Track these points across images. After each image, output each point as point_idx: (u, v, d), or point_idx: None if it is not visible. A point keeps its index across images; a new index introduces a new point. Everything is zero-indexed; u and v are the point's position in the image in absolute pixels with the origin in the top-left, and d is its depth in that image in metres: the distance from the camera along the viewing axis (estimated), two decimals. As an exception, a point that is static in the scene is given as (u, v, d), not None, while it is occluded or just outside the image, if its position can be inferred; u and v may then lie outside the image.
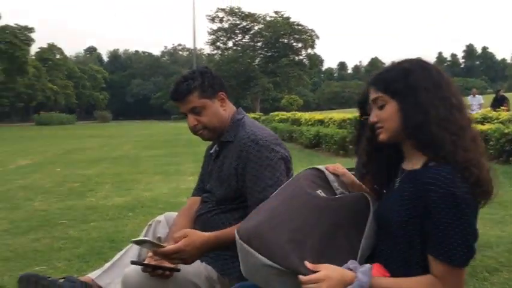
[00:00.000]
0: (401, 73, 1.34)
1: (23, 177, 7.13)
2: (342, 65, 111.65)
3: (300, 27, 50.97)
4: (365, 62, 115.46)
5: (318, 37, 51.61)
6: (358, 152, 1.57)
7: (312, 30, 51.48)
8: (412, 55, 1.41)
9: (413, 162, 1.35)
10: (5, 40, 45.46)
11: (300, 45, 51.86)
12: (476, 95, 16.46)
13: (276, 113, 23.47)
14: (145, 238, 1.89)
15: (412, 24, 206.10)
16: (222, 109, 2.03)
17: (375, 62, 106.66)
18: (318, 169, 1.57)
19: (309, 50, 52.48)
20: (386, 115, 1.35)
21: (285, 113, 22.26)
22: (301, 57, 52.74)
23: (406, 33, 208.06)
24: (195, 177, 2.69)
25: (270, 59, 51.63)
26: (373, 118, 1.38)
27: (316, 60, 57.31)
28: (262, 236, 1.32)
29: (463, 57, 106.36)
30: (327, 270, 1.25)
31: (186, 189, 5.38)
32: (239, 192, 1.94)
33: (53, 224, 3.97)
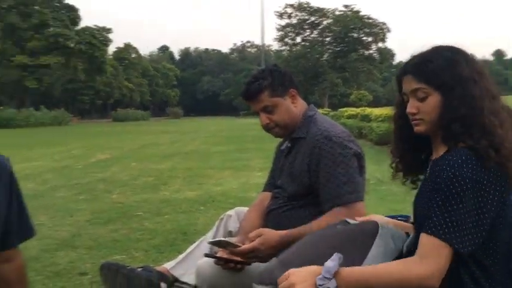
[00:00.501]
0: (446, 64, 1.27)
1: (102, 171, 7.55)
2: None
3: (370, 20, 49.72)
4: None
5: (389, 30, 50.09)
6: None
7: (383, 24, 50.04)
8: (491, 47, 1.34)
9: (439, 152, 1.32)
10: (85, 41, 48.19)
11: (370, 39, 50.61)
12: None
13: (344, 108, 23.10)
14: (222, 239, 1.96)
15: (492, 14, 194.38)
16: (293, 106, 2.04)
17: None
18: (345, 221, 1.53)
19: (380, 44, 51.10)
20: (429, 108, 1.28)
21: (354, 108, 21.83)
22: (371, 51, 51.44)
23: (484, 23, 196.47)
24: (264, 172, 2.73)
25: (339, 54, 50.82)
26: (411, 109, 1.31)
27: (387, 54, 55.73)
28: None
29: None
30: (295, 269, 1.26)
31: (255, 185, 5.46)
32: (311, 188, 1.95)
33: (129, 216, 4.18)
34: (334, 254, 1.25)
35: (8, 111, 33.31)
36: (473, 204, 1.17)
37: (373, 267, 1.25)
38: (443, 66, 1.27)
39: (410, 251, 1.32)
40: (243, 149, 10.99)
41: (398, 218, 1.61)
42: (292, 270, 1.26)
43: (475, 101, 1.23)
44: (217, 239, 1.94)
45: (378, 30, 49.89)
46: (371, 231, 1.38)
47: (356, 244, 1.35)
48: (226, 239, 1.94)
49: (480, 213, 1.18)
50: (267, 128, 2.06)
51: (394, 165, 1.50)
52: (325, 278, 1.21)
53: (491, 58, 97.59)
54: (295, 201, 2.00)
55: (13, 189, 1.63)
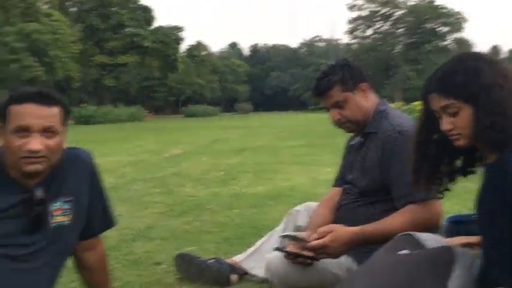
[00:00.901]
0: (470, 74, 1.21)
1: (175, 165, 7.82)
2: (495, 49, 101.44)
3: (445, 10, 47.51)
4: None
5: (466, 20, 47.58)
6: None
7: (459, 13, 47.61)
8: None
9: (492, 155, 1.26)
10: (159, 40, 50.07)
11: (445, 29, 48.38)
12: None
13: (418, 102, 22.20)
14: (292, 233, 1.97)
15: None
16: (365, 100, 2.01)
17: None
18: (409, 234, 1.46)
19: (456, 34, 48.71)
20: (464, 122, 1.24)
21: (428, 102, 20.94)
22: (446, 42, 49.15)
23: None
24: (333, 168, 2.70)
25: (412, 46, 49.06)
26: (446, 126, 1.28)
27: (464, 45, 52.98)
28: None
29: None
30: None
31: (324, 180, 5.41)
32: (382, 184, 1.91)
33: (201, 209, 4.30)
34: None
35: (89, 109, 35.30)
36: None
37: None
38: (467, 77, 1.23)
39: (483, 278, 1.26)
40: (312, 144, 10.93)
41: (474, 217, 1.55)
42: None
43: (503, 105, 1.18)
44: (287, 233, 1.96)
45: (454, 20, 47.57)
46: (446, 259, 1.30)
47: (431, 276, 1.27)
48: (296, 233, 1.95)
49: None
50: (338, 124, 2.04)
51: (416, 180, 1.46)
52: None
53: None
54: (367, 197, 1.97)
55: (95, 182, 1.73)
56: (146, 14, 53.11)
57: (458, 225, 2.23)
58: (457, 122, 1.27)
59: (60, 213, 1.61)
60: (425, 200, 1.78)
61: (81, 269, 1.83)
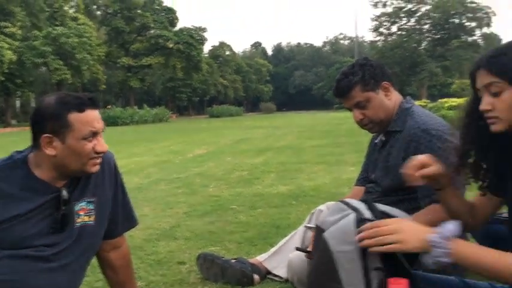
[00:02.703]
0: None
1: (199, 165, 7.88)
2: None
3: (473, 4, 46.45)
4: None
5: (494, 14, 46.45)
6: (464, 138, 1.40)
7: (488, 7, 46.49)
8: None
9: None
10: (182, 41, 50.48)
11: (473, 24, 47.31)
12: None
13: (445, 99, 21.81)
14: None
15: None
16: (387, 99, 1.98)
17: None
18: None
19: (485, 29, 47.55)
20: (504, 105, 1.18)
21: (455, 99, 20.56)
22: (475, 37, 48.06)
23: None
24: (357, 167, 2.68)
25: (439, 42, 48.07)
26: (485, 105, 1.22)
27: (493, 40, 51.71)
28: None
29: None
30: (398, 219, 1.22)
31: (347, 180, 5.37)
32: (406, 183, 1.89)
33: (224, 209, 4.32)
34: (455, 221, 1.18)
35: (115, 110, 35.90)
36: None
37: (490, 250, 1.16)
38: None
39: None
40: (336, 143, 10.85)
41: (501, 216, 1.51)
42: (396, 220, 1.22)
43: None
44: (311, 225, 1.95)
45: (483, 15, 46.47)
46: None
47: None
48: (314, 218, 1.95)
49: None
50: (361, 124, 2.02)
51: (459, 166, 1.41)
52: (441, 238, 1.13)
53: None
54: (390, 196, 1.95)
55: (118, 182, 1.77)
56: (170, 15, 53.66)
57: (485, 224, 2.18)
58: (498, 103, 1.22)
59: (84, 213, 1.64)
60: None
61: (105, 268, 1.86)
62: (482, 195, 1.42)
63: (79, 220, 1.63)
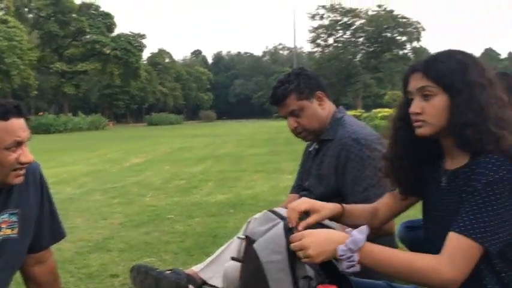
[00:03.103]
0: (458, 66, 1.22)
1: (136, 175, 7.69)
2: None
3: (404, 20, 48.90)
4: (477, 54, 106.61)
5: (423, 29, 49.16)
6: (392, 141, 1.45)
7: (418, 22, 49.14)
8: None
9: (457, 160, 1.25)
10: (120, 47, 49.28)
11: (404, 38, 49.77)
12: None
13: (378, 109, 22.73)
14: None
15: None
16: (321, 108, 2.03)
17: (488, 53, 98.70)
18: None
19: (414, 43, 50.16)
20: (434, 109, 1.23)
21: (388, 109, 21.47)
22: (405, 51, 50.56)
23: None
24: (293, 175, 2.71)
25: (372, 55, 50.18)
26: (415, 108, 1.25)
27: (422, 54, 54.57)
28: None
29: None
30: (313, 231, 1.22)
31: (285, 188, 5.43)
32: (338, 191, 1.93)
33: (161, 219, 4.24)
34: (363, 226, 1.21)
35: (48, 117, 34.40)
36: (509, 204, 1.14)
37: (396, 251, 1.21)
38: (453, 67, 1.23)
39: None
40: (275, 152, 10.98)
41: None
42: (309, 232, 1.22)
43: (482, 107, 1.19)
44: (245, 235, 1.94)
45: (412, 30, 49.03)
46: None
47: None
48: (251, 226, 1.94)
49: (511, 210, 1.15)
50: (296, 132, 2.05)
51: (384, 170, 1.45)
52: (350, 249, 1.15)
53: None
54: (323, 205, 1.98)
55: (44, 193, 1.68)
56: (107, 20, 52.20)
57: (412, 230, 2.28)
58: (428, 107, 1.24)
59: (6, 226, 1.55)
60: None
61: (30, 284, 1.76)
62: (403, 199, 1.47)
63: (1, 233, 1.53)
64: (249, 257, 1.41)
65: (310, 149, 2.18)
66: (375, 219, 1.51)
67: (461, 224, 1.14)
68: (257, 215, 2.37)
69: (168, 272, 2.40)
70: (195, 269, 2.44)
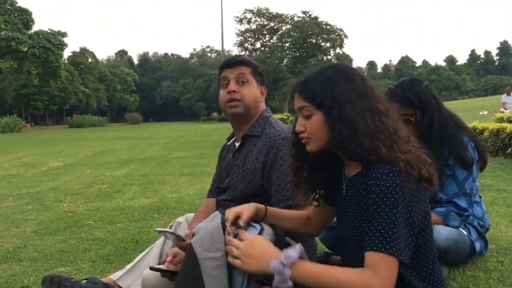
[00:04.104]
0: (326, 84, 1.28)
1: (54, 179, 7.29)
2: (372, 64, 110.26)
3: (328, 26, 50.54)
4: (395, 61, 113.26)
5: (346, 36, 51.10)
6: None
7: (341, 30, 50.98)
8: (443, 53, 1.35)
9: (353, 167, 1.33)
10: (39, 45, 46.70)
11: (328, 45, 51.44)
12: (511, 93, 15.94)
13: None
14: (167, 230, 1.92)
15: (445, 21, 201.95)
16: (260, 100, 2.12)
17: (405, 61, 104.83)
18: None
19: (338, 50, 52.00)
20: (314, 127, 1.30)
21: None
22: (329, 57, 52.28)
23: (437, 31, 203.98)
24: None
25: (298, 60, 51.38)
26: (298, 127, 1.34)
27: (345, 60, 56.77)
28: None
29: (497, 54, 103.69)
30: (252, 241, 1.25)
31: (211, 191, 5.40)
32: (261, 188, 1.95)
33: (80, 225, 4.03)
34: (296, 244, 1.25)
35: (-44, 118, 31.87)
36: (406, 213, 1.18)
37: (327, 267, 1.23)
38: (322, 86, 1.28)
39: None
40: (202, 155, 10.88)
41: None
42: (245, 244, 1.24)
43: (352, 122, 1.23)
44: (163, 229, 1.90)
45: (336, 37, 50.78)
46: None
47: None
48: (173, 230, 1.90)
49: (411, 222, 1.20)
50: (232, 97, 2.04)
51: (296, 182, 1.51)
52: (282, 264, 1.18)
53: (443, 64, 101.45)
54: (245, 203, 1.98)
55: None
56: (24, 16, 49.25)
57: (331, 231, 2.33)
58: (309, 125, 1.31)
59: None
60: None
61: None
62: (316, 206, 1.52)
63: None
64: (187, 253, 1.41)
65: (228, 143, 2.22)
66: (308, 225, 1.58)
67: (370, 241, 1.18)
68: (179, 219, 2.33)
69: (83, 281, 2.28)
70: (113, 277, 2.34)
